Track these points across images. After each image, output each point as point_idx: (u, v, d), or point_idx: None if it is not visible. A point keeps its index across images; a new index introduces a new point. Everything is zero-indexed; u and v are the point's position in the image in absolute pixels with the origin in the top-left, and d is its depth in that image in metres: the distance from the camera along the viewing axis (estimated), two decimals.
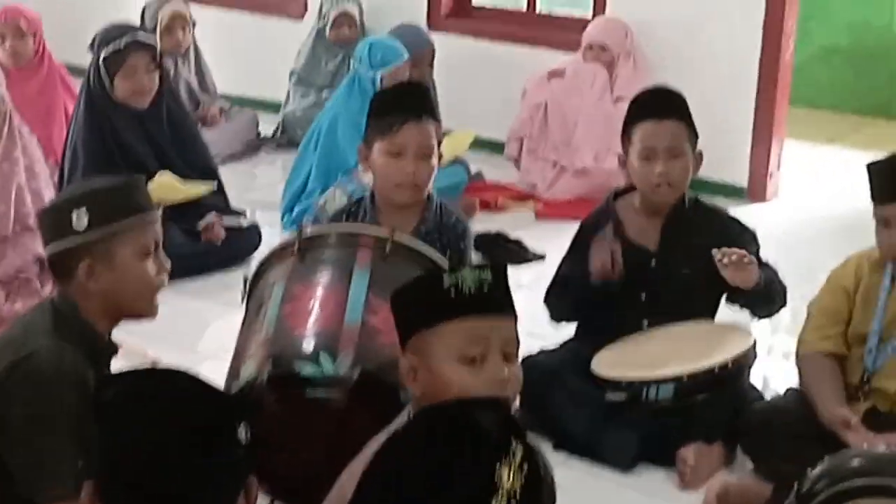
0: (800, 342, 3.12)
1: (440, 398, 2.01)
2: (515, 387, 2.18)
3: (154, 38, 4.53)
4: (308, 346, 2.66)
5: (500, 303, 2.16)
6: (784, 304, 3.32)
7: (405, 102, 3.27)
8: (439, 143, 3.30)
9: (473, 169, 5.40)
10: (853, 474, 1.60)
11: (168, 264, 2.55)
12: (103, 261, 2.42)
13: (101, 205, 2.42)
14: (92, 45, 4.46)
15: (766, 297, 3.23)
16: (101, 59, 4.36)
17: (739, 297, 3.25)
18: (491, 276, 2.13)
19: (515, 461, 1.44)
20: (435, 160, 3.26)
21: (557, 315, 3.44)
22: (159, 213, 2.58)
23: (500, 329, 2.15)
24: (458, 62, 5.90)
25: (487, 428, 1.47)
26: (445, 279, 2.12)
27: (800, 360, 3.11)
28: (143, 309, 2.53)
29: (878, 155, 3.09)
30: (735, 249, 3.13)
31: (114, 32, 4.40)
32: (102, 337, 2.47)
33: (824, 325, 3.07)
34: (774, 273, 3.33)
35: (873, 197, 2.97)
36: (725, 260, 3.11)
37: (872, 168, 2.98)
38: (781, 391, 3.28)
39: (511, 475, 1.43)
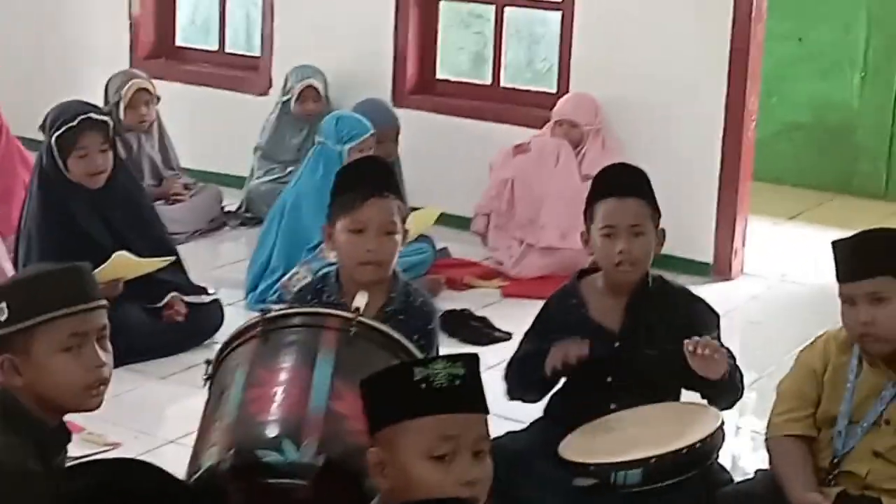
0: (769, 425, 3.10)
1: (408, 495, 1.98)
2: (485, 486, 2.13)
3: (107, 117, 4.45)
4: (271, 433, 2.61)
5: (472, 399, 2.10)
6: (741, 395, 3.29)
7: (367, 178, 3.25)
8: (404, 220, 3.28)
9: (439, 245, 5.39)
10: None
11: (107, 357, 2.41)
12: (23, 356, 2.34)
13: (19, 298, 2.34)
14: (43, 124, 4.41)
15: (728, 388, 3.21)
16: (53, 139, 4.32)
17: (702, 386, 3.22)
18: (463, 371, 2.08)
19: None
20: (398, 237, 3.22)
21: (512, 393, 3.38)
22: (99, 303, 2.42)
23: (470, 426, 2.09)
24: (423, 138, 5.91)
25: None
26: (416, 372, 2.06)
27: (769, 443, 3.09)
28: (75, 405, 2.40)
29: (842, 231, 3.11)
30: (707, 340, 3.10)
31: (65, 112, 4.35)
32: (48, 426, 2.38)
33: (793, 407, 3.05)
34: (733, 360, 3.31)
35: (838, 276, 2.95)
36: (698, 351, 3.08)
37: (837, 246, 2.97)
38: (750, 472, 3.25)
39: None
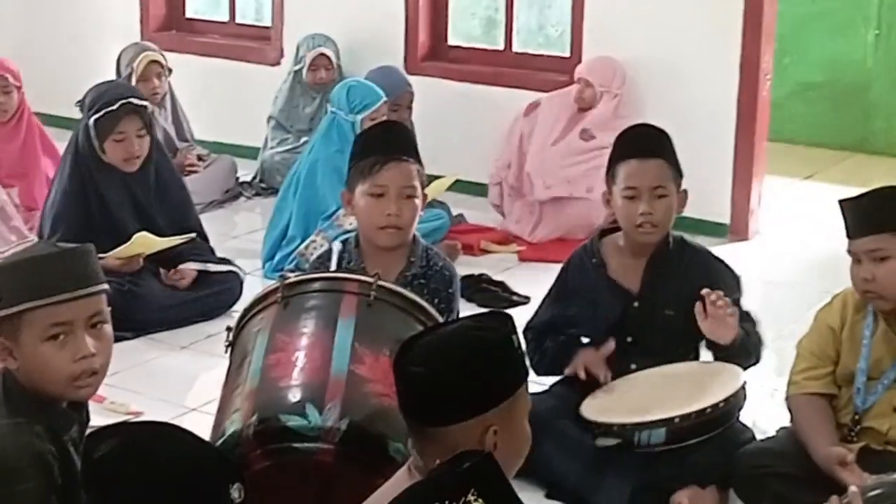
0: (789, 384, 3.10)
1: (518, 458, 2.04)
2: None
3: (146, 102, 4.45)
4: (294, 397, 2.62)
5: None
6: (758, 360, 3.29)
7: (386, 143, 3.23)
8: (423, 186, 3.27)
9: (455, 212, 5.38)
10: None
11: (99, 346, 2.29)
12: (13, 341, 2.26)
13: (9, 282, 2.26)
14: (82, 103, 4.40)
15: (740, 353, 3.21)
16: (91, 120, 4.30)
17: (714, 350, 3.24)
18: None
19: None
20: (418, 201, 3.21)
21: (535, 367, 3.32)
22: (90, 291, 2.27)
23: None
24: (435, 104, 5.88)
25: (439, 476, 1.48)
26: (513, 339, 2.04)
27: (790, 401, 3.09)
28: (62, 395, 2.30)
29: (858, 190, 3.09)
30: (720, 296, 3.10)
31: (106, 95, 4.33)
32: (58, 405, 2.31)
33: (813, 366, 3.05)
34: (753, 325, 3.31)
35: (847, 233, 2.98)
36: (711, 299, 3.08)
37: (843, 204, 2.98)
38: (770, 431, 3.25)
39: None
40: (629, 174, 3.25)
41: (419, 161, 3.28)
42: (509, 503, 1.50)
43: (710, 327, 3.11)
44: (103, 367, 2.32)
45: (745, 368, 3.27)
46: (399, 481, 2.00)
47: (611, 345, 3.23)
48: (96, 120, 4.29)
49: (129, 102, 4.30)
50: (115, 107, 4.26)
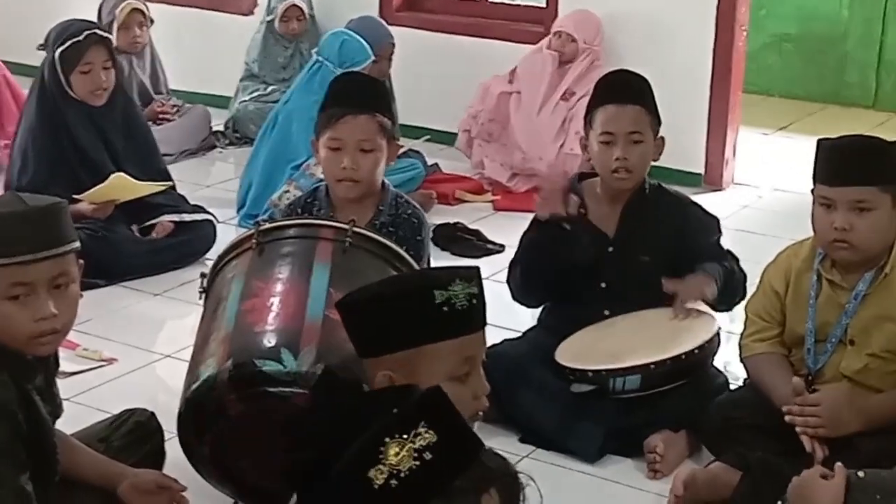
0: (740, 346, 3.09)
1: None
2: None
3: (110, 34, 4.43)
4: (269, 342, 2.62)
5: (484, 315, 2.07)
6: (744, 296, 3.29)
7: (347, 95, 3.25)
8: (392, 139, 3.27)
9: (430, 161, 5.37)
10: None
11: (62, 306, 2.25)
12: None
13: None
14: (45, 41, 4.36)
15: (722, 300, 3.22)
16: (57, 53, 4.26)
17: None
18: (477, 289, 2.02)
19: (414, 444, 1.44)
20: (379, 155, 3.20)
21: (516, 293, 3.37)
22: (53, 252, 2.23)
23: (483, 342, 2.08)
24: (411, 55, 5.85)
25: (388, 412, 1.51)
26: (437, 295, 1.98)
27: (745, 362, 3.08)
28: (21, 350, 2.27)
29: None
30: (682, 307, 3.17)
31: (70, 28, 4.30)
32: (23, 355, 2.28)
33: (760, 328, 3.03)
34: (735, 262, 3.32)
35: (817, 177, 2.87)
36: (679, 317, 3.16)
37: (824, 147, 2.87)
38: (742, 376, 3.26)
39: (400, 454, 1.42)
40: (606, 119, 3.25)
41: (387, 113, 3.27)
42: (461, 435, 1.50)
43: (685, 296, 3.14)
44: (66, 326, 2.31)
45: (731, 307, 3.29)
46: None
47: (576, 204, 3.21)
48: (62, 52, 4.25)
49: (95, 33, 4.29)
50: (80, 37, 4.24)
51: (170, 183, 4.48)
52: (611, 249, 3.30)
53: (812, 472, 2.17)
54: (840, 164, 2.84)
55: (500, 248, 4.59)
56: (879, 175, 2.82)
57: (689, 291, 3.18)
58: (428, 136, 5.59)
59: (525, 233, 3.38)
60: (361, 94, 3.26)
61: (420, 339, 1.99)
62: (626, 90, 3.28)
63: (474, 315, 2.03)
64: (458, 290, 2.00)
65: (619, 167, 3.22)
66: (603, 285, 3.31)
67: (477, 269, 2.09)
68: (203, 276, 2.96)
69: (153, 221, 4.43)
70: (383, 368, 2.00)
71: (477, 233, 4.76)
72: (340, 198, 3.22)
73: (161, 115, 5.84)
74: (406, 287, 2.08)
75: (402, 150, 4.94)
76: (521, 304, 3.42)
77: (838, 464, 2.17)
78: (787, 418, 2.83)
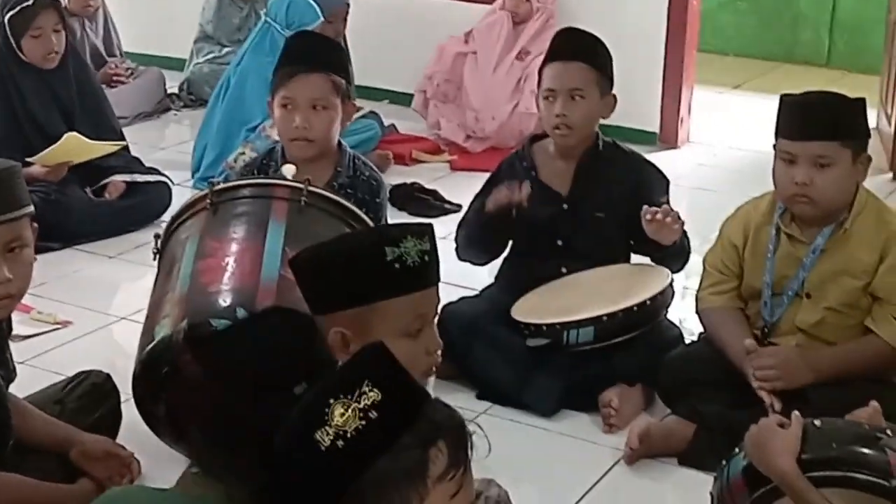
0: (697, 299, 3.11)
1: None
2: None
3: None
4: (224, 302, 2.61)
5: (436, 272, 2.06)
6: (686, 263, 3.31)
7: (299, 54, 3.25)
8: (346, 98, 3.26)
9: (386, 122, 5.36)
10: None
11: (14, 270, 2.25)
12: None
13: None
14: None
15: (678, 252, 3.23)
16: (6, 18, 4.23)
17: (652, 250, 3.25)
18: (429, 245, 2.02)
19: (359, 403, 1.44)
20: (332, 114, 3.20)
21: (463, 252, 3.38)
22: (15, 214, 2.24)
23: (434, 298, 2.07)
24: (369, 15, 5.82)
25: (333, 373, 1.51)
26: (388, 252, 1.97)
27: (700, 315, 3.10)
28: None
29: None
30: (666, 209, 3.09)
31: None
32: None
33: (717, 281, 3.05)
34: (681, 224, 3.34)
35: (779, 132, 2.88)
36: (658, 217, 3.07)
37: (787, 102, 2.88)
38: (696, 331, 3.28)
39: (346, 414, 1.42)
40: (549, 76, 3.28)
41: (341, 73, 3.26)
42: (407, 391, 1.50)
43: (654, 229, 3.12)
44: (20, 290, 2.30)
45: (680, 268, 3.31)
46: None
47: (526, 188, 3.21)
48: (12, 17, 4.22)
49: None
50: (30, 1, 4.21)
51: (123, 143, 4.47)
52: (565, 207, 3.32)
53: (769, 421, 2.19)
54: (802, 119, 2.85)
55: (457, 208, 4.59)
56: (841, 130, 2.83)
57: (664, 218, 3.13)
58: (387, 99, 5.59)
59: (476, 197, 3.39)
60: (314, 53, 3.25)
61: (372, 296, 1.99)
62: (569, 48, 3.29)
63: (426, 272, 2.03)
64: (409, 246, 2.00)
65: (559, 123, 3.24)
66: (559, 243, 3.32)
67: (429, 225, 2.09)
68: (157, 237, 2.94)
69: (105, 181, 4.40)
70: (336, 325, 2.00)
71: (434, 192, 4.76)
72: (296, 158, 3.20)
73: (115, 78, 5.79)
74: (357, 244, 2.07)
75: (360, 112, 4.99)
76: (466, 261, 3.43)
77: (795, 412, 2.19)
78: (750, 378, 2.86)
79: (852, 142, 2.84)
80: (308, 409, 1.49)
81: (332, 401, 1.45)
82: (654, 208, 3.09)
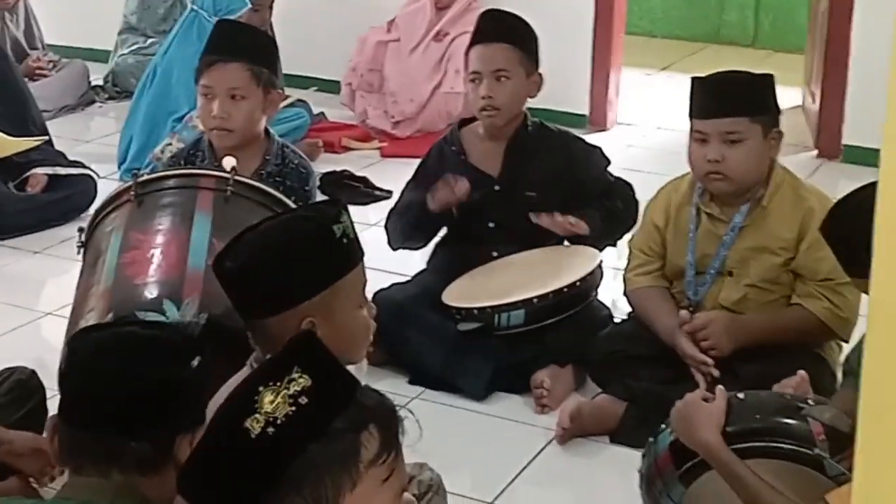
0: (624, 280, 3.14)
1: (348, 349, 1.97)
2: None
3: None
4: (150, 294, 2.58)
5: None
6: (634, 223, 3.32)
7: (220, 43, 3.22)
8: (270, 87, 3.23)
9: (315, 111, 5.34)
10: None
11: None
12: None
13: None
14: None
15: (605, 235, 3.26)
16: None
17: (577, 239, 3.29)
18: (347, 214, 2.04)
19: (288, 389, 1.43)
20: (252, 103, 3.16)
21: (395, 240, 3.39)
22: None
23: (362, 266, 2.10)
24: (297, 4, 5.79)
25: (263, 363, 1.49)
26: (336, 230, 1.98)
27: (628, 296, 3.13)
28: None
29: None
30: (551, 219, 3.18)
31: None
32: None
33: (642, 262, 3.08)
34: (626, 189, 3.37)
35: (692, 112, 2.94)
36: (544, 223, 3.17)
37: (696, 84, 2.95)
38: (626, 310, 3.30)
39: (276, 401, 1.42)
40: (474, 59, 3.30)
41: (262, 62, 3.23)
42: (336, 376, 1.50)
43: (548, 226, 3.17)
44: None
45: (618, 240, 3.35)
46: (241, 376, 2.00)
47: (465, 182, 3.22)
48: None
49: None
50: None
51: (44, 137, 4.37)
52: (497, 188, 3.33)
53: (693, 396, 2.23)
54: (710, 97, 2.91)
55: (388, 195, 4.58)
56: (748, 105, 2.89)
57: (557, 226, 3.22)
58: (316, 87, 5.56)
59: (407, 185, 3.38)
60: (233, 42, 3.23)
61: (333, 277, 1.99)
62: (492, 29, 3.32)
63: (358, 240, 2.06)
64: (345, 219, 2.02)
65: (485, 105, 3.26)
66: (491, 225, 3.33)
67: (337, 200, 2.14)
68: (81, 230, 2.90)
69: (26, 175, 4.33)
70: (303, 316, 1.96)
71: (364, 180, 4.75)
72: (222, 148, 3.17)
73: (37, 71, 5.71)
74: (304, 232, 2.03)
75: (289, 101, 4.95)
76: (399, 249, 3.42)
77: (719, 386, 2.24)
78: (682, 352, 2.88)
79: (762, 117, 2.89)
80: (237, 398, 1.48)
81: (261, 388, 1.44)
82: (540, 214, 3.17)
